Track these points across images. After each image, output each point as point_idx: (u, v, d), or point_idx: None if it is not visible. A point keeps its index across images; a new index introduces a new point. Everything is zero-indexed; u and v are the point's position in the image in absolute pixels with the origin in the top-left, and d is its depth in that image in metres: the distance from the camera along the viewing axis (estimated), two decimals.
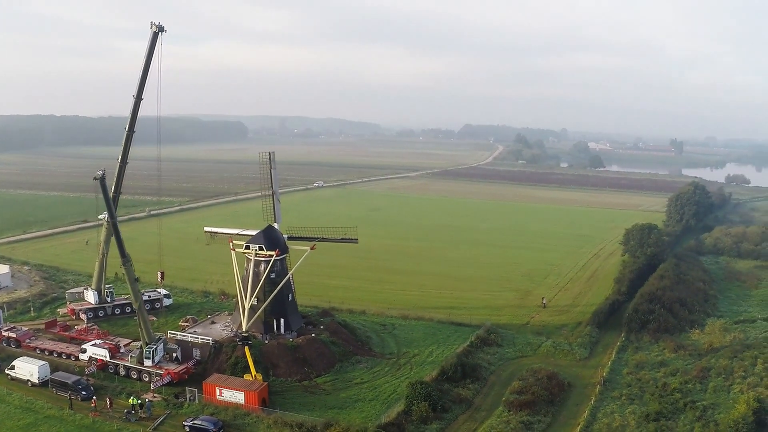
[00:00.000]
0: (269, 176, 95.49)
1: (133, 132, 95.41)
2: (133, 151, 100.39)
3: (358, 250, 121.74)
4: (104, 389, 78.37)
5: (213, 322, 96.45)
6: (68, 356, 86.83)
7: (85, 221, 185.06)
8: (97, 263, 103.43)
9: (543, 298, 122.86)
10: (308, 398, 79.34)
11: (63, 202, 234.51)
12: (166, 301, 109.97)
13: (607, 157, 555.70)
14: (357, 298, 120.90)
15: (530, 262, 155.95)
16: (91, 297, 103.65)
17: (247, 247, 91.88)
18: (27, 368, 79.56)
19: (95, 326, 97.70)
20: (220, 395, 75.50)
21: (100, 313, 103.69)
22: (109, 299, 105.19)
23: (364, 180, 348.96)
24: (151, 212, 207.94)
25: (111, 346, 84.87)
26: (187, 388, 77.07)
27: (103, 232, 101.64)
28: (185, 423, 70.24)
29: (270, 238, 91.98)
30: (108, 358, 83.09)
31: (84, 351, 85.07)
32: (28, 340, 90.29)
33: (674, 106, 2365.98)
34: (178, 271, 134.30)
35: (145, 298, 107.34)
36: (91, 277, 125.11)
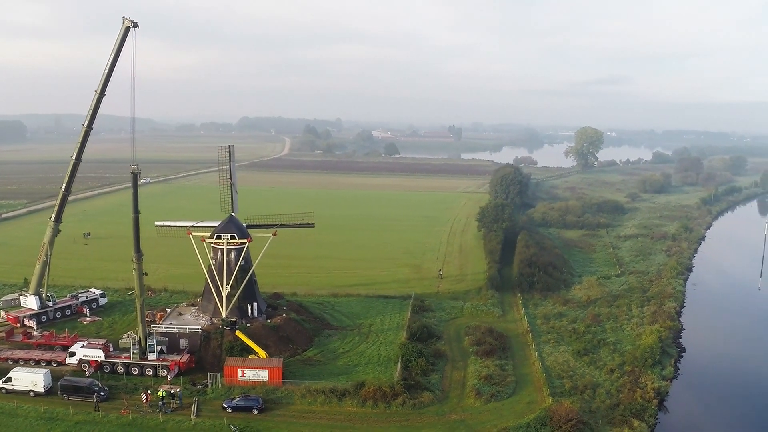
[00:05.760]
0: (228, 169, 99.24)
1: (92, 129, 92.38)
2: None
3: None
4: (116, 388, 78.11)
5: (180, 314, 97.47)
6: (48, 362, 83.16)
7: None
8: (38, 266, 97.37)
9: (440, 270, 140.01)
10: (310, 369, 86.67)
11: None
12: (102, 301, 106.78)
13: (391, 144, 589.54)
14: (274, 282, 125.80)
15: (401, 242, 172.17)
16: (32, 302, 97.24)
17: (218, 237, 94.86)
18: (29, 378, 75.74)
19: (65, 331, 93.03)
20: (243, 376, 79.91)
21: (43, 318, 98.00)
22: (50, 303, 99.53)
23: (184, 175, 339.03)
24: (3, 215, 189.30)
25: (103, 345, 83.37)
26: (209, 374, 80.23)
27: (48, 233, 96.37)
28: (226, 404, 74.14)
29: (239, 227, 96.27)
30: (103, 358, 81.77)
31: (72, 354, 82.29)
32: None
33: (442, 93, 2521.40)
34: (79, 272, 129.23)
35: (82, 299, 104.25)
36: (5, 285, 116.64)
